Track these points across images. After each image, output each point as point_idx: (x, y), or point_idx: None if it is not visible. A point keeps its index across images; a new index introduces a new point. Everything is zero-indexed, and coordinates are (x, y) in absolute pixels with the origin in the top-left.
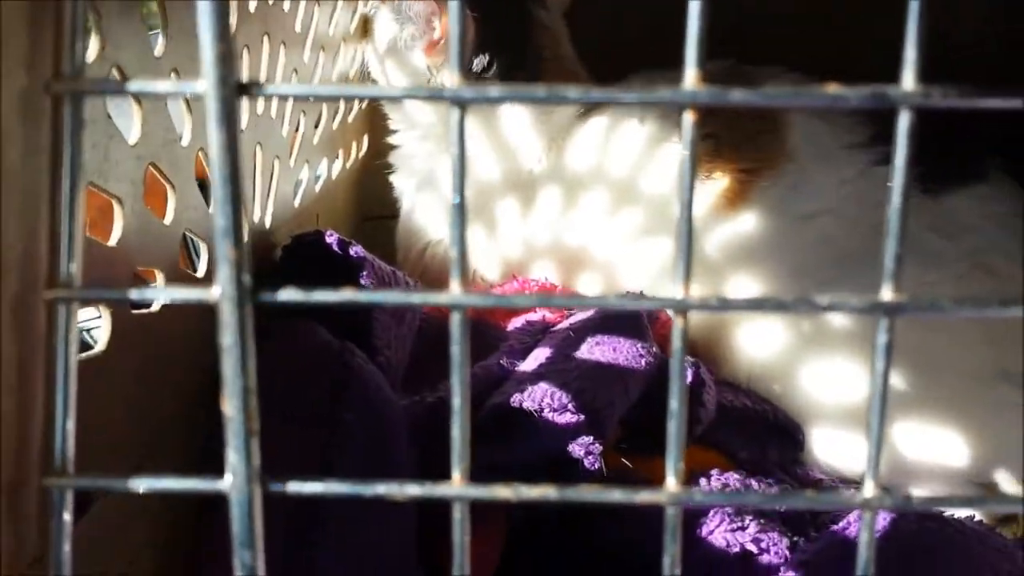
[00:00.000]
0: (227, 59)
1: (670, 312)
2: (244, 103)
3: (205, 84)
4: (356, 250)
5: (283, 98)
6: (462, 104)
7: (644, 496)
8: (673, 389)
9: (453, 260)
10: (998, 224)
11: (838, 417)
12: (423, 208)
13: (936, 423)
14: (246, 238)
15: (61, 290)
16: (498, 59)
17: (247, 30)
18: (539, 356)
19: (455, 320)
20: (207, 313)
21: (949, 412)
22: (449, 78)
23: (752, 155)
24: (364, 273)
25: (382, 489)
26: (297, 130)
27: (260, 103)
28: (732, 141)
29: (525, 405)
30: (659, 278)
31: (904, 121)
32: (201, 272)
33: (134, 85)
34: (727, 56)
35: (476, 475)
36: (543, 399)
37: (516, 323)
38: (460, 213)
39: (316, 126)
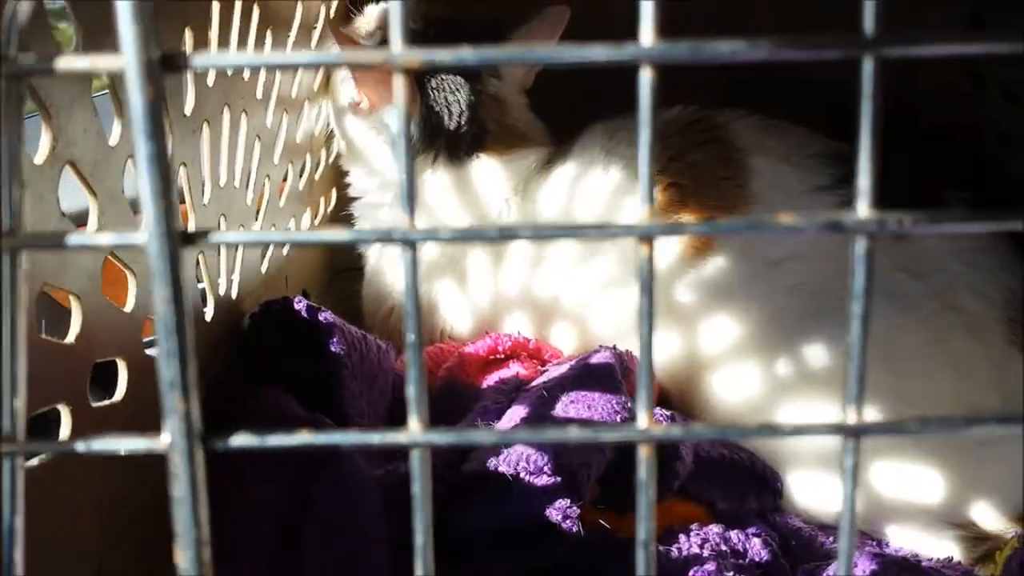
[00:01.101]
0: (169, 213)
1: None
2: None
3: (147, 237)
4: (325, 316)
5: (230, 244)
6: (412, 244)
7: None
8: (640, 515)
9: (411, 399)
10: (964, 261)
11: (816, 462)
12: (389, 265)
13: (910, 462)
14: (195, 386)
15: (6, 444)
16: (440, 132)
17: (207, 103)
18: (514, 416)
19: (415, 459)
20: None
21: (922, 451)
22: (402, 220)
23: (716, 202)
24: (334, 340)
25: None
26: (263, 190)
27: (223, 172)
28: (696, 189)
29: (501, 469)
30: (630, 327)
31: (860, 248)
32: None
33: (73, 239)
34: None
35: (453, 542)
36: (519, 462)
37: (490, 381)
38: (417, 351)
39: (284, 181)
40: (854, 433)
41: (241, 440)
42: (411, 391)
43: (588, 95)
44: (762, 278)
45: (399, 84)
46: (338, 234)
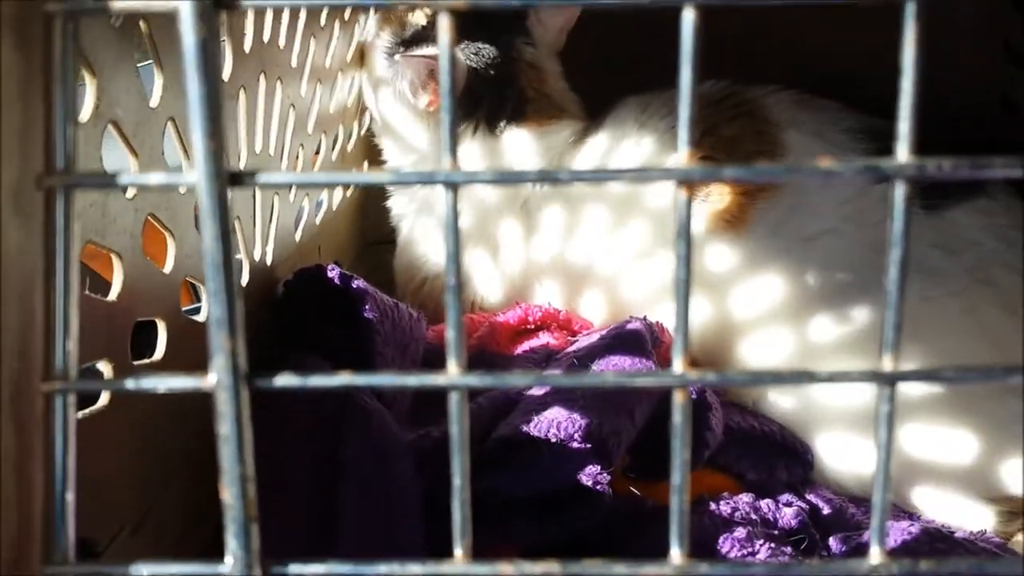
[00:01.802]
0: (219, 154)
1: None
2: (243, 138)
3: (197, 177)
4: (358, 283)
5: (276, 186)
6: (454, 186)
7: (650, 569)
8: (675, 463)
9: (450, 341)
10: (998, 237)
11: (847, 431)
12: (422, 236)
13: (944, 435)
14: (241, 324)
15: (57, 382)
16: (483, 101)
17: (243, 70)
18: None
19: (453, 401)
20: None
21: (957, 425)
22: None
23: None
24: (366, 307)
25: (384, 569)
26: (297, 160)
27: (258, 140)
28: (728, 163)
29: (532, 435)
30: (662, 293)
31: (899, 193)
32: (203, 316)
33: (126, 178)
34: (723, 74)
35: (484, 506)
36: (550, 429)
37: (521, 349)
38: (455, 294)
39: (316, 154)
40: (890, 380)
41: (284, 380)
42: (450, 334)
43: (618, 71)
44: (795, 253)
45: (444, 25)
46: (382, 175)
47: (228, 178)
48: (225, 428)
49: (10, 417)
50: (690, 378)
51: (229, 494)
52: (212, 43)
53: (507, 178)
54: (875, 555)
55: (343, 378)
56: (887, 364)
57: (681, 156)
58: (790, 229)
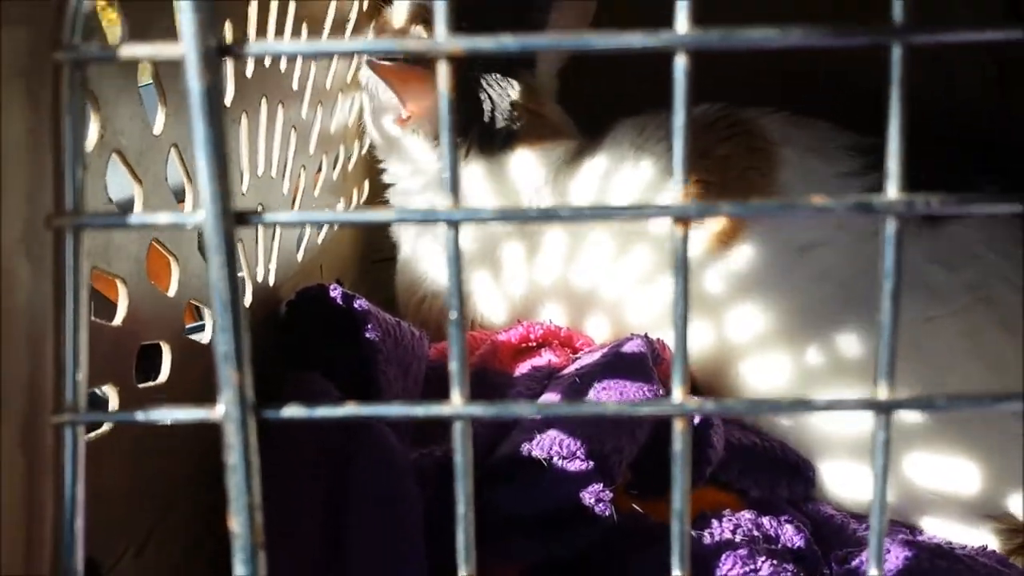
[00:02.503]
0: (225, 194)
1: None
2: (245, 161)
3: (204, 216)
4: (360, 303)
5: (280, 224)
6: (456, 224)
7: None
8: (676, 489)
9: (454, 372)
10: (999, 252)
11: (848, 451)
12: (423, 254)
13: (944, 454)
14: (248, 358)
15: (67, 414)
16: (474, 123)
17: (245, 94)
18: (546, 401)
19: (457, 430)
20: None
21: (957, 443)
22: (441, 200)
23: (743, 194)
24: (368, 326)
25: None
26: (299, 181)
27: (260, 162)
28: (723, 184)
29: (534, 454)
30: (664, 318)
31: (890, 228)
32: (206, 338)
33: (135, 218)
34: (718, 96)
35: (486, 523)
36: (552, 447)
37: (522, 368)
38: (459, 327)
39: (318, 173)
40: (885, 408)
41: (291, 411)
42: (454, 366)
43: (614, 93)
44: (791, 266)
45: (443, 72)
46: (383, 214)
47: (235, 218)
48: (233, 459)
49: (20, 448)
50: (689, 407)
51: (237, 523)
52: (217, 90)
53: (509, 215)
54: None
55: (349, 409)
56: (882, 392)
57: (677, 193)
58: (784, 241)
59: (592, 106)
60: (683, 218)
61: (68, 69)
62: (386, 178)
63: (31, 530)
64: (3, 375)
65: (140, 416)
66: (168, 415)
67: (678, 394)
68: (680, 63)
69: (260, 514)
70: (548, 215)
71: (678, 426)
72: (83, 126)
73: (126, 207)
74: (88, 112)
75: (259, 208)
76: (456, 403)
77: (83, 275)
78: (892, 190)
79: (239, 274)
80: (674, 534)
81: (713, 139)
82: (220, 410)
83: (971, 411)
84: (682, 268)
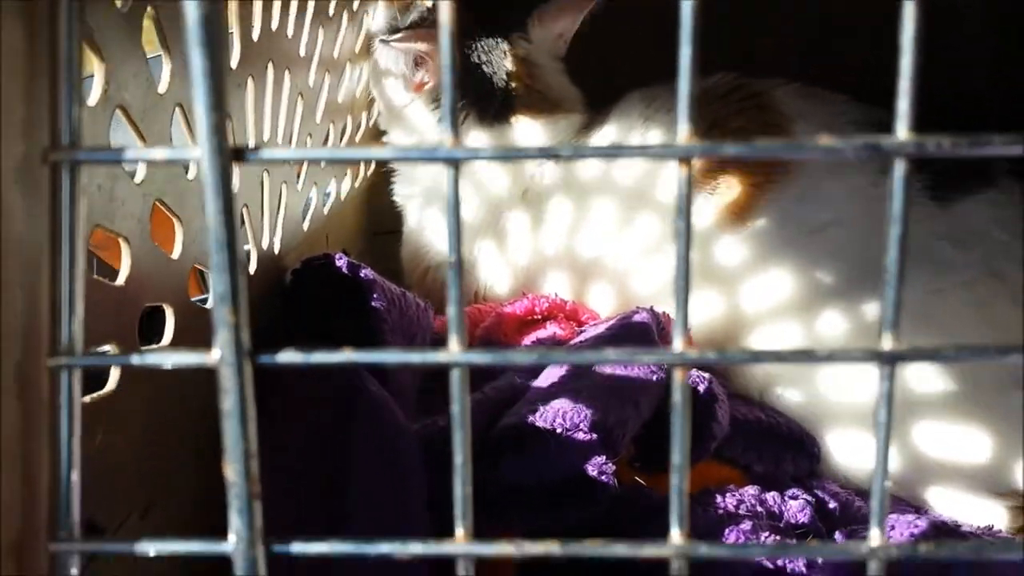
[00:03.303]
0: (222, 128)
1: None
2: (251, 136)
3: (200, 151)
4: (365, 272)
5: (278, 160)
6: (456, 163)
7: (649, 551)
8: (675, 442)
9: (451, 318)
10: (1008, 230)
11: (855, 425)
12: (427, 225)
13: (954, 429)
14: (245, 300)
15: (63, 357)
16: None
17: (251, 58)
18: (551, 374)
19: (455, 378)
20: None
21: (967, 418)
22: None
23: (759, 167)
24: (374, 296)
25: (386, 548)
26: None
27: (266, 128)
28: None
29: (538, 425)
30: (670, 287)
31: (898, 171)
32: (211, 303)
33: (131, 152)
34: (730, 67)
35: (489, 494)
36: (555, 419)
37: (527, 341)
38: (457, 272)
39: (325, 143)
40: (889, 359)
41: (287, 356)
42: (451, 311)
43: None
44: (803, 244)
45: (445, 8)
46: (384, 151)
47: (232, 153)
48: (228, 403)
49: (14, 395)
50: (689, 356)
51: (232, 471)
52: (215, 17)
53: (509, 155)
54: (874, 538)
55: (345, 355)
56: (887, 343)
57: (682, 133)
58: (798, 220)
59: (602, 78)
60: (687, 158)
61: (66, 1)
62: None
63: (28, 481)
64: None
65: (136, 360)
66: (165, 359)
67: (678, 343)
68: None
69: (256, 462)
70: (548, 154)
71: (677, 376)
72: (80, 62)
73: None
74: (92, 63)
75: (265, 176)
76: (453, 350)
77: (80, 214)
78: (902, 131)
79: (237, 219)
80: (673, 489)
81: (726, 110)
82: (216, 354)
83: (976, 362)
84: (685, 209)
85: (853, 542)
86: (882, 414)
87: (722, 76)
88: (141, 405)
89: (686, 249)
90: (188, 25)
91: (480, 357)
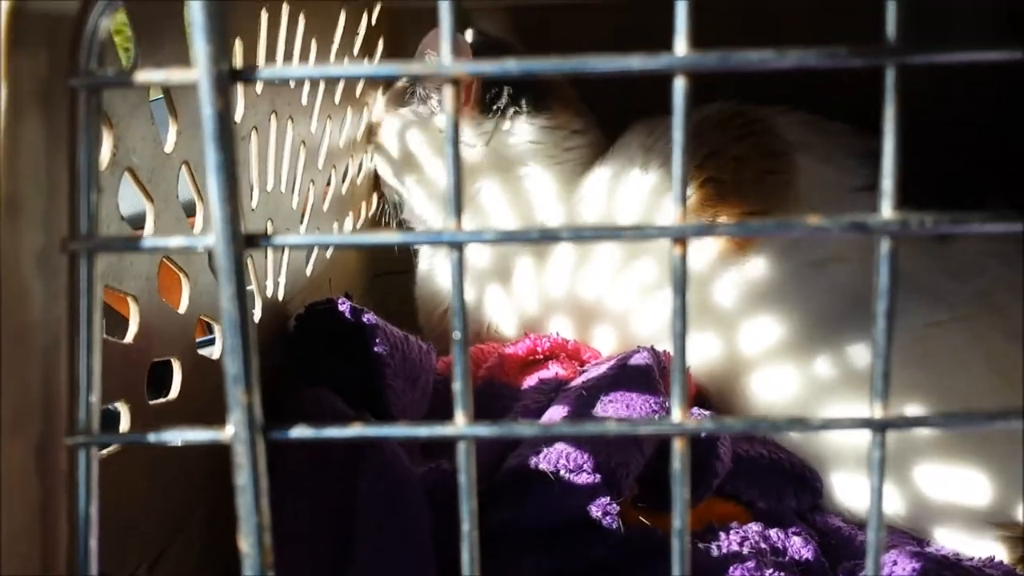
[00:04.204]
0: (235, 218)
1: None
2: (255, 180)
3: (215, 240)
4: (368, 317)
5: (290, 247)
6: (459, 246)
7: None
8: (676, 507)
9: (457, 392)
10: (1004, 261)
11: (856, 459)
12: (440, 268)
13: (954, 463)
14: (257, 380)
15: (81, 436)
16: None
17: (255, 111)
18: (553, 415)
19: (461, 451)
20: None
21: (967, 452)
22: (447, 222)
23: (760, 198)
24: (377, 340)
25: None
26: (307, 196)
27: (270, 179)
28: (736, 184)
29: (541, 467)
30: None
31: (884, 248)
32: (216, 354)
33: (147, 242)
34: (731, 94)
35: (494, 537)
36: (559, 460)
37: (530, 381)
38: (463, 348)
39: (326, 191)
40: (880, 427)
41: (300, 432)
42: (457, 386)
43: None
44: (804, 279)
45: (448, 95)
46: (391, 236)
47: (244, 240)
48: (242, 479)
49: (35, 470)
50: (688, 427)
51: (246, 544)
52: (228, 113)
53: (510, 237)
54: None
55: (356, 430)
56: (877, 411)
57: (676, 214)
58: (798, 254)
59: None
60: (681, 239)
61: (84, 94)
62: (404, 195)
63: (46, 549)
64: (19, 395)
65: (152, 438)
66: (179, 436)
67: (677, 414)
68: (679, 85)
69: (269, 535)
70: (549, 236)
71: (677, 446)
72: (97, 151)
73: (137, 221)
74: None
75: (269, 225)
76: (459, 423)
77: (97, 297)
78: (886, 209)
79: (248, 292)
80: (675, 553)
81: (727, 137)
82: (230, 431)
83: (966, 429)
84: (680, 287)
85: None
86: (875, 480)
87: (721, 103)
88: (149, 460)
89: (682, 325)
90: (203, 121)
91: (486, 431)
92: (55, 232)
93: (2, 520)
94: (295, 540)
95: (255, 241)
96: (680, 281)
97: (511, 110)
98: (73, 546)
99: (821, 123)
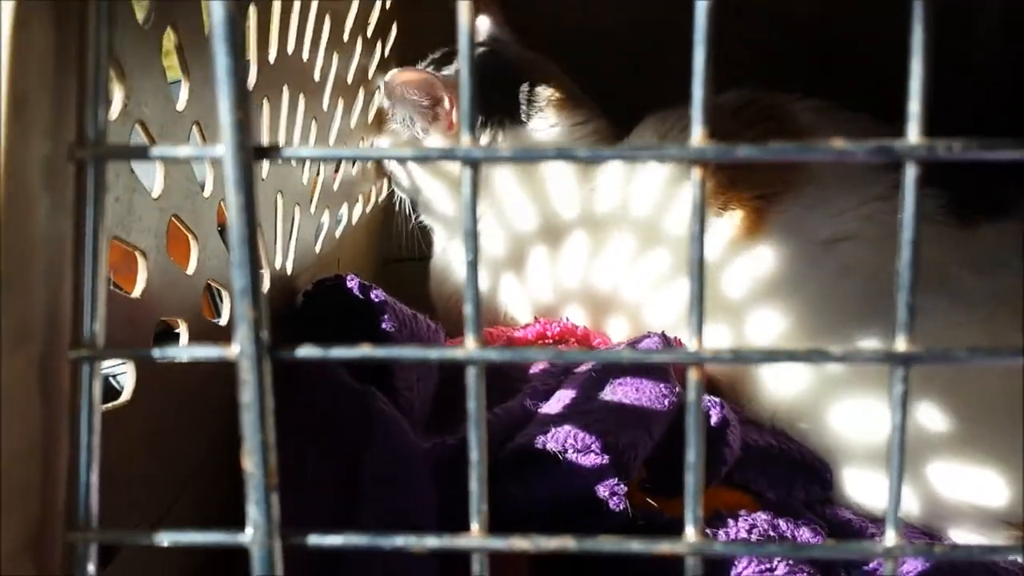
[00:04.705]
0: (245, 125)
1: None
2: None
3: (223, 149)
4: (377, 293)
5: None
6: (474, 164)
7: (664, 547)
8: (690, 440)
9: (467, 316)
10: None
11: (867, 454)
12: (452, 256)
13: (969, 463)
14: (264, 296)
15: (84, 349)
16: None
17: (267, 81)
18: (562, 397)
19: (471, 375)
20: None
21: (982, 452)
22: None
23: (774, 177)
24: (385, 317)
25: (401, 541)
26: (317, 175)
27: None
28: (749, 172)
29: (548, 446)
30: (684, 319)
31: (910, 174)
32: (224, 319)
33: (156, 150)
34: (746, 81)
35: (501, 516)
36: (567, 440)
37: (539, 364)
38: (473, 270)
39: (336, 171)
40: (903, 361)
41: (306, 351)
42: (468, 309)
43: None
44: (813, 261)
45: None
46: (406, 151)
47: (253, 151)
48: (247, 396)
49: (37, 390)
50: (704, 355)
51: (251, 462)
52: (239, 19)
53: (526, 156)
54: (890, 538)
55: (363, 351)
56: (900, 344)
57: (696, 136)
58: (810, 234)
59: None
60: (700, 161)
61: (95, 3)
62: (420, 183)
63: (46, 481)
64: (22, 309)
65: (157, 354)
66: (184, 352)
67: (693, 343)
68: None
69: (274, 454)
70: (565, 155)
71: (692, 375)
72: (108, 63)
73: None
74: (112, 79)
75: (278, 197)
76: (470, 347)
77: (105, 211)
78: (913, 134)
79: (258, 216)
80: (688, 488)
81: (741, 125)
82: (235, 348)
83: (990, 364)
84: (699, 212)
85: (868, 542)
86: (896, 417)
87: (736, 91)
88: (154, 416)
89: (700, 252)
90: (214, 23)
91: (497, 354)
92: (62, 142)
93: (1, 441)
94: (298, 515)
95: (264, 152)
96: (699, 204)
97: (497, 126)
98: (74, 469)
99: (837, 110)
